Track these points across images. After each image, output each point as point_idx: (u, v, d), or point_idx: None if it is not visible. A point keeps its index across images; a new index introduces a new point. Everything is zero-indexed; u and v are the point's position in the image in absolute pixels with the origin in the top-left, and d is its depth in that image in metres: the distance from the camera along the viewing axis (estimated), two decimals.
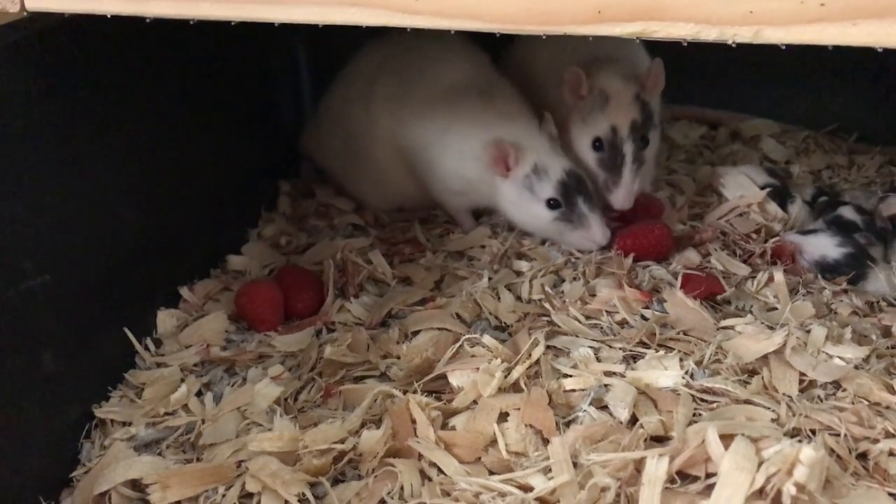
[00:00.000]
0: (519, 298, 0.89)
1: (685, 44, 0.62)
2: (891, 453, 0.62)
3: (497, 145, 0.95)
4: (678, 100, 1.34)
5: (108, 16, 0.63)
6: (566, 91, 1.02)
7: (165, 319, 0.88)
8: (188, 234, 0.95)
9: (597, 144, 1.00)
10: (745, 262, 0.95)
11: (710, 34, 0.60)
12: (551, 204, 0.95)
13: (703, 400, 0.68)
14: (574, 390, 0.71)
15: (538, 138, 0.98)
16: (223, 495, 0.65)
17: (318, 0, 0.64)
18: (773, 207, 1.05)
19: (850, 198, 1.08)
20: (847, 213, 1.02)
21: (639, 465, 0.59)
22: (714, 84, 1.36)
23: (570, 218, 0.95)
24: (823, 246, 0.94)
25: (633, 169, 0.99)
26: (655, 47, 0.98)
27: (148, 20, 0.64)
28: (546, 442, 0.65)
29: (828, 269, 0.93)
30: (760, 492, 0.55)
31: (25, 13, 0.65)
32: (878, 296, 0.90)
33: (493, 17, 0.62)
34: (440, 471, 0.63)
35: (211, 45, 0.92)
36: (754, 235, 1.00)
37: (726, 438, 0.59)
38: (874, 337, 0.79)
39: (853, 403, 0.68)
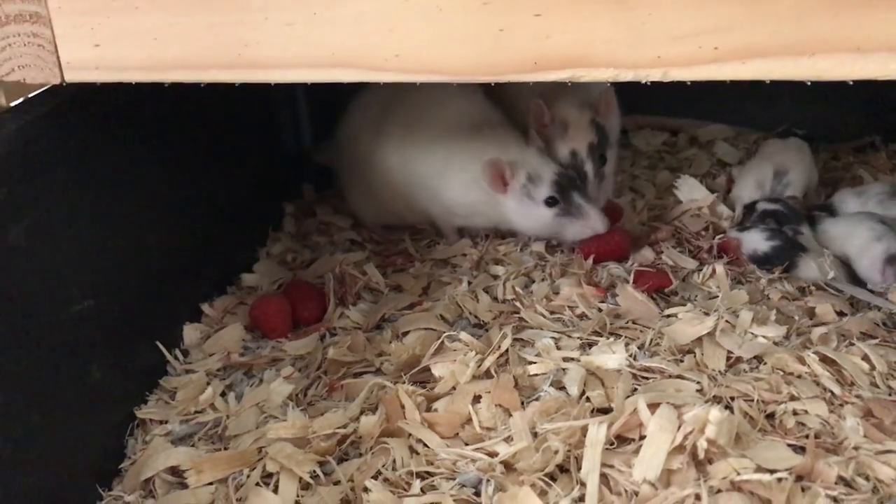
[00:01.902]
0: (495, 299, 1.02)
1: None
2: (793, 412, 0.75)
3: (492, 165, 1.07)
4: (641, 110, 1.47)
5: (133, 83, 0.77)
6: (531, 120, 1.16)
7: (191, 332, 1.01)
8: (206, 257, 1.09)
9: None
10: (694, 257, 1.09)
11: (626, 76, 0.73)
12: (549, 202, 1.07)
13: (642, 377, 0.81)
14: (537, 374, 0.84)
15: (527, 152, 1.11)
16: (248, 476, 0.78)
17: (307, 63, 0.77)
18: (722, 209, 1.18)
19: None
20: (762, 205, 1.16)
21: (584, 432, 0.72)
22: (675, 94, 1.49)
23: (568, 211, 1.07)
24: (755, 241, 1.07)
25: (595, 185, 1.13)
26: None
27: (166, 85, 0.78)
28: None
29: (760, 261, 1.06)
30: (681, 447, 0.68)
31: (64, 83, 0.79)
32: (810, 281, 1.03)
33: (449, 70, 0.75)
34: (425, 445, 0.77)
35: (220, 89, 1.06)
36: (703, 233, 1.13)
37: (655, 406, 0.72)
38: (797, 317, 0.92)
39: (770, 374, 0.81)
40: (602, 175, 1.15)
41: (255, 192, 1.28)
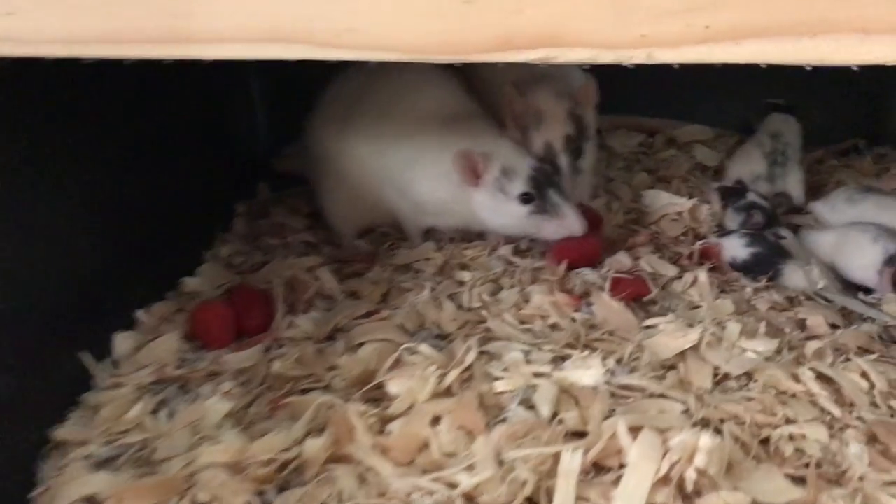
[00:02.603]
0: (460, 307, 0.94)
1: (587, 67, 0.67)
2: (790, 437, 0.67)
3: (464, 156, 0.98)
4: (617, 110, 1.40)
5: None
6: (504, 108, 1.08)
7: (122, 342, 0.91)
8: (145, 259, 0.99)
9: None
10: (674, 263, 1.01)
11: (606, 58, 0.65)
12: (524, 198, 0.99)
13: (621, 396, 0.73)
14: (504, 392, 0.75)
15: (501, 143, 1.03)
16: None
17: (246, 37, 0.68)
18: (702, 212, 1.11)
19: None
20: (751, 196, 1.10)
21: (557, 459, 0.64)
22: (653, 93, 1.42)
23: (544, 209, 0.99)
24: (733, 247, 1.00)
25: (569, 180, 1.05)
26: None
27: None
28: None
29: (739, 269, 0.98)
30: (666, 478, 0.60)
31: None
32: (798, 291, 0.96)
33: (407, 48, 0.67)
34: (377, 473, 0.68)
35: (161, 71, 0.97)
36: (683, 238, 1.06)
37: (636, 431, 0.64)
38: (788, 330, 0.84)
39: (762, 393, 0.73)
40: (578, 169, 1.07)
41: (204, 190, 1.18)
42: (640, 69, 0.84)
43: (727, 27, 0.62)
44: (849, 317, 0.91)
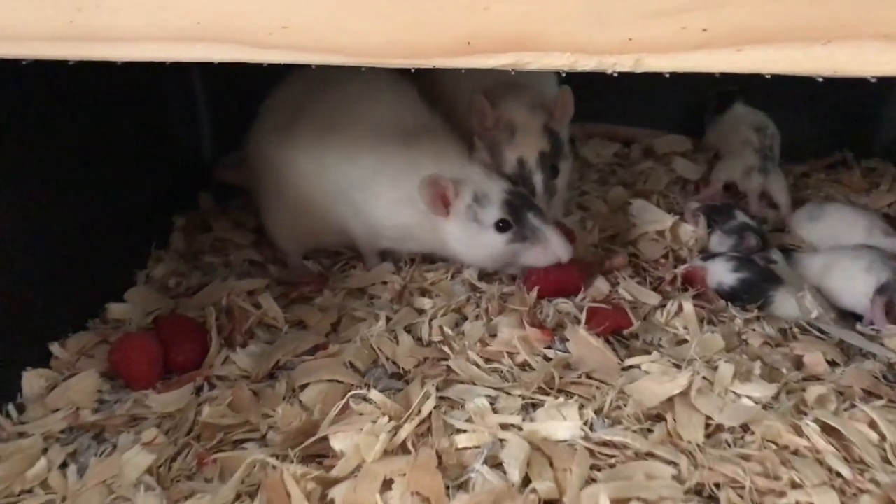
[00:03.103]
0: (419, 340, 0.84)
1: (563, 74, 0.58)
2: None
3: (432, 183, 0.88)
4: (590, 117, 1.31)
5: None
6: (472, 121, 0.98)
7: (32, 381, 0.80)
8: (66, 282, 0.88)
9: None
10: (655, 289, 0.92)
11: (587, 64, 0.56)
12: (501, 226, 0.89)
13: (602, 455, 0.63)
14: (468, 448, 0.65)
15: (471, 167, 0.92)
16: None
17: (164, 36, 0.58)
18: (684, 231, 1.02)
19: None
20: (741, 216, 1.02)
21: None
22: (627, 99, 1.33)
23: (524, 236, 0.89)
24: (719, 272, 0.91)
25: (544, 199, 0.96)
26: None
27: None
28: None
29: (726, 297, 0.90)
30: None
31: None
32: (791, 321, 0.87)
33: (355, 50, 0.57)
34: None
35: (91, 71, 0.85)
36: (663, 260, 0.96)
37: (623, 503, 0.54)
38: (784, 370, 0.75)
39: (761, 449, 0.64)
40: (553, 189, 0.97)
41: (139, 202, 1.06)
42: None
43: (728, 31, 0.54)
44: (847, 350, 0.83)
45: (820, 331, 0.86)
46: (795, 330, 0.85)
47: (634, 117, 1.34)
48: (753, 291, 0.90)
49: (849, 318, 0.91)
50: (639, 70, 0.56)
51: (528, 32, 0.56)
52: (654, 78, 0.78)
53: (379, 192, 0.93)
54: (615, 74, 0.57)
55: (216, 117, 1.27)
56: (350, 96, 0.96)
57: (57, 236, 0.86)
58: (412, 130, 0.94)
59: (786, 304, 0.89)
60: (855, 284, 0.91)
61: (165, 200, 1.15)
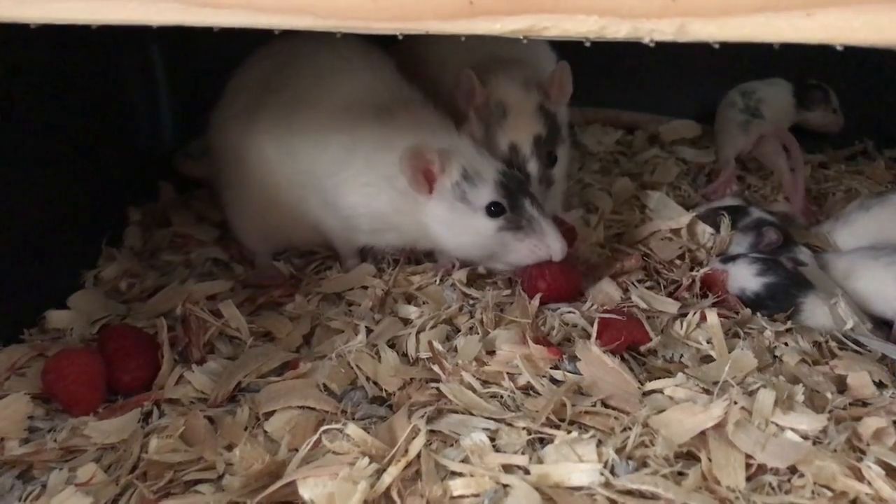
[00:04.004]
0: (405, 356, 0.73)
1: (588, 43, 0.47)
2: None
3: (415, 154, 0.77)
4: (590, 102, 1.20)
5: None
6: (459, 100, 0.87)
7: None
8: None
9: None
10: (670, 295, 0.81)
11: (619, 30, 0.45)
12: (492, 210, 0.78)
13: None
14: (464, 496, 0.54)
15: (461, 140, 0.82)
16: None
17: None
18: (701, 230, 0.91)
19: None
20: (757, 212, 0.93)
21: None
22: (630, 82, 1.22)
23: (518, 224, 0.78)
24: (742, 276, 0.81)
25: (540, 190, 0.85)
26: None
27: None
28: None
29: (749, 304, 0.80)
30: None
31: None
32: (825, 332, 0.77)
33: (327, 11, 0.46)
34: None
35: (38, 41, 0.73)
36: (678, 262, 0.86)
37: None
38: (829, 395, 0.65)
39: (814, 497, 0.53)
40: (550, 179, 0.87)
41: (87, 192, 0.95)
42: (619, 50, 0.64)
43: None
44: (893, 367, 0.73)
45: (858, 344, 0.76)
46: (832, 344, 0.75)
47: (638, 101, 1.24)
48: (781, 298, 0.80)
49: (882, 326, 0.81)
50: (682, 39, 0.45)
51: None
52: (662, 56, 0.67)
53: (352, 176, 0.83)
54: (652, 44, 0.46)
55: (178, 98, 1.14)
56: (318, 71, 0.85)
57: None
58: (388, 105, 0.84)
59: (817, 311, 0.79)
60: (887, 288, 0.82)
61: (120, 190, 1.03)
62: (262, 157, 0.87)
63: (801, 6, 0.43)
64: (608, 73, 1.11)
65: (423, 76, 0.93)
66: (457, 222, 0.79)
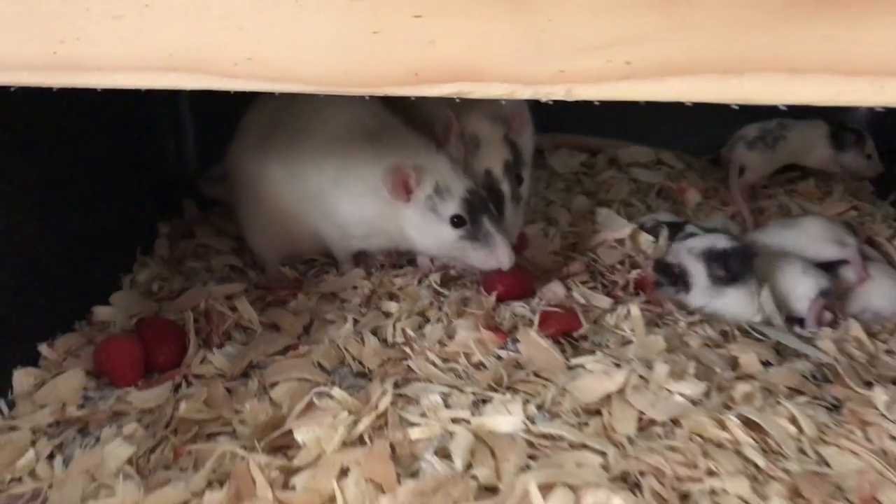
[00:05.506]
0: (384, 342, 0.90)
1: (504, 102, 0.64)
2: (711, 492, 0.64)
3: (396, 170, 0.93)
4: (561, 128, 1.37)
5: None
6: (440, 134, 1.03)
7: (22, 379, 0.85)
8: (53, 286, 0.93)
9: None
10: (608, 294, 0.98)
11: (524, 93, 0.61)
12: (455, 222, 0.94)
13: (540, 446, 0.69)
14: (420, 440, 0.71)
15: (437, 159, 0.97)
16: None
17: (138, 66, 0.63)
18: (644, 238, 1.08)
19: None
20: (691, 229, 1.07)
21: None
22: (597, 111, 1.39)
23: (475, 236, 0.94)
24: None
25: (512, 206, 1.01)
26: None
27: None
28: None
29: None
30: None
31: None
32: (735, 322, 0.93)
33: (313, 80, 0.63)
34: None
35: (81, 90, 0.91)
36: (619, 266, 1.03)
37: (549, 488, 0.60)
38: (718, 369, 0.81)
39: (687, 442, 0.70)
40: (519, 196, 1.03)
41: (124, 210, 1.12)
42: None
43: (650, 64, 0.59)
44: (784, 352, 0.89)
45: (760, 333, 0.92)
46: (736, 333, 0.91)
47: (607, 129, 1.40)
48: (742, 258, 0.95)
49: (794, 322, 0.97)
50: (570, 99, 0.61)
51: (471, 65, 0.62)
52: None
53: (346, 188, 0.99)
54: (550, 103, 0.63)
55: (200, 130, 1.32)
56: (316, 107, 1.02)
57: (46, 244, 0.91)
58: (375, 130, 1.00)
59: (740, 301, 0.95)
60: (796, 288, 0.98)
61: (151, 209, 1.21)
62: (272, 180, 1.04)
63: (655, 75, 0.60)
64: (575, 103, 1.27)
65: (409, 110, 1.10)
66: (427, 228, 0.96)
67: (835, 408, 0.78)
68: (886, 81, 0.56)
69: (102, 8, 0.61)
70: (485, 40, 0.60)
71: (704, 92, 0.59)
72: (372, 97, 1.02)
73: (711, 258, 0.95)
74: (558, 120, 1.29)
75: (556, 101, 0.98)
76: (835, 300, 1.00)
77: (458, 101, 1.03)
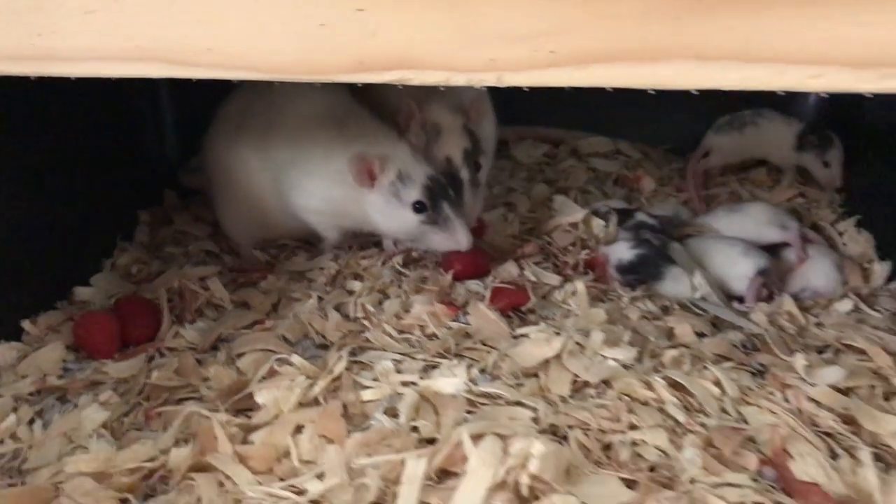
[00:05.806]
0: (346, 317, 0.96)
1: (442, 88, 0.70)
2: (632, 443, 0.70)
3: (360, 158, 0.98)
4: (524, 121, 1.43)
5: None
6: (402, 123, 1.09)
7: (5, 352, 0.91)
8: (35, 268, 0.99)
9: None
10: (559, 273, 1.04)
11: (459, 80, 0.67)
12: (417, 207, 1.00)
13: (480, 403, 0.76)
14: (370, 401, 0.77)
15: (399, 147, 1.03)
16: None
17: (109, 55, 0.69)
18: (596, 223, 1.14)
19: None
20: (640, 216, 1.13)
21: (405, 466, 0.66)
22: (561, 103, 1.45)
23: (435, 220, 1.00)
24: (620, 251, 1.04)
25: (471, 191, 1.08)
26: None
27: None
28: None
29: (624, 271, 1.02)
30: (503, 484, 0.63)
31: None
32: (674, 300, 0.99)
33: (267, 68, 0.68)
34: (234, 482, 0.69)
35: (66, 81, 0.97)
36: (571, 248, 1.09)
37: (480, 438, 0.66)
38: (653, 338, 0.88)
39: (615, 401, 0.76)
40: (477, 182, 1.09)
41: (105, 198, 1.18)
42: None
43: (571, 52, 0.65)
44: (721, 325, 0.95)
45: (699, 308, 0.98)
46: (675, 307, 0.98)
47: (569, 122, 1.46)
48: (647, 265, 1.02)
49: (735, 299, 1.03)
50: (501, 85, 0.67)
51: (410, 54, 0.67)
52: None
53: (314, 168, 1.04)
54: (484, 89, 0.69)
55: (180, 122, 1.38)
56: (286, 96, 1.07)
57: (31, 228, 0.97)
58: (342, 118, 1.06)
59: (676, 282, 1.02)
60: (736, 267, 1.04)
61: (132, 197, 1.26)
62: (246, 167, 1.09)
63: (576, 63, 0.66)
64: (540, 96, 1.34)
65: (375, 99, 1.16)
66: (390, 212, 1.01)
67: (759, 373, 0.84)
68: (786, 68, 0.62)
69: (76, 4, 0.67)
70: (422, 31, 0.66)
71: (622, 78, 0.65)
72: (339, 86, 1.10)
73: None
74: (522, 113, 1.35)
75: (519, 93, 1.06)
76: (776, 279, 1.06)
77: (422, 91, 1.13)
